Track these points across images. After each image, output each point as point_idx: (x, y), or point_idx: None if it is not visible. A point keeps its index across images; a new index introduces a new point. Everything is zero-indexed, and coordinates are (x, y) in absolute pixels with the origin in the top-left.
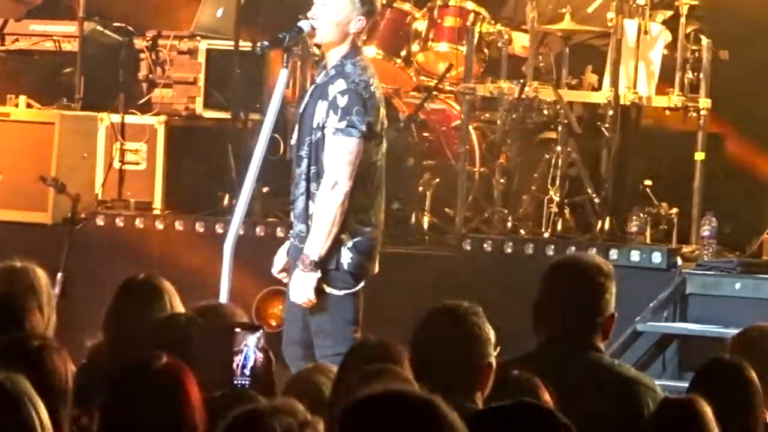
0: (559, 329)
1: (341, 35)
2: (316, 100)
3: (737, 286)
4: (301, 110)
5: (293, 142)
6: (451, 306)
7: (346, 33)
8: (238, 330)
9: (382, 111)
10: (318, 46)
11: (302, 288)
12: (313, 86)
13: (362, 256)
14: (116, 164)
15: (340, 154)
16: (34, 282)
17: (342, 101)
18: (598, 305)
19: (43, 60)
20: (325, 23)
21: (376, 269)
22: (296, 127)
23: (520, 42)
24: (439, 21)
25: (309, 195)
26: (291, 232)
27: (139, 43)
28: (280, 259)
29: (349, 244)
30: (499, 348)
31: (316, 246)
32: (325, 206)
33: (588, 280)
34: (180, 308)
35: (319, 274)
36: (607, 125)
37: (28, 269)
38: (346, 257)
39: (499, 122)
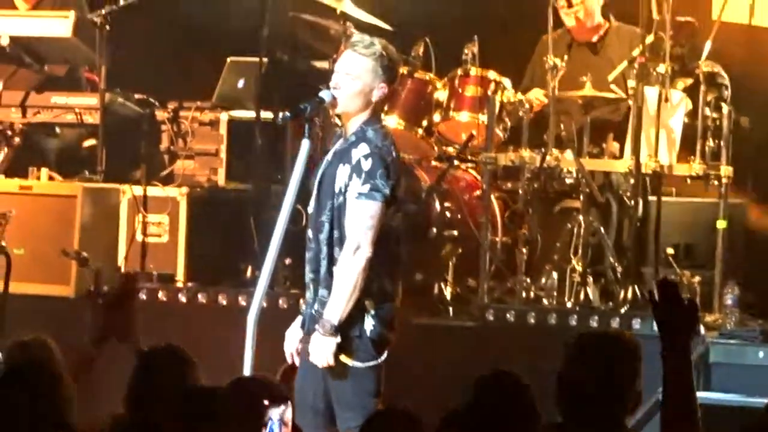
0: (585, 404)
1: (363, 104)
2: (337, 164)
3: (761, 354)
4: (319, 177)
5: (311, 210)
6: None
7: (368, 101)
8: (265, 402)
9: (403, 178)
10: (338, 116)
11: (322, 352)
12: (332, 152)
13: (385, 326)
14: (138, 236)
15: (363, 218)
16: (53, 355)
17: (366, 165)
18: (626, 382)
19: (65, 132)
20: (348, 93)
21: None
22: (314, 194)
23: (536, 95)
24: (460, 90)
25: (331, 260)
26: (305, 300)
27: (160, 114)
28: (294, 335)
29: (372, 312)
30: None
31: (336, 310)
32: (347, 271)
33: (616, 356)
34: (202, 380)
35: (338, 338)
36: (628, 194)
37: (46, 343)
38: (369, 325)
39: (520, 191)
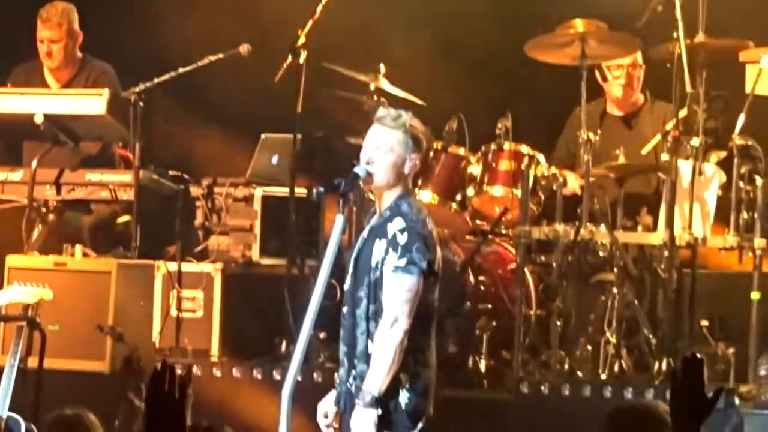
0: None
1: (397, 177)
2: (373, 240)
3: None
4: (355, 253)
5: (347, 287)
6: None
7: (401, 174)
8: None
9: (438, 251)
10: (371, 192)
11: (363, 424)
12: (368, 229)
13: (420, 398)
14: (173, 312)
15: (400, 292)
16: (91, 430)
17: (402, 239)
18: None
19: (99, 209)
20: (381, 166)
21: (431, 412)
22: (350, 271)
23: (574, 183)
24: (493, 165)
25: (369, 334)
26: (339, 377)
27: (194, 190)
28: (328, 407)
29: (407, 385)
30: None
31: (376, 383)
32: (385, 344)
33: (651, 427)
34: None
35: (379, 411)
36: (662, 266)
37: (83, 417)
38: (404, 399)
39: (554, 265)
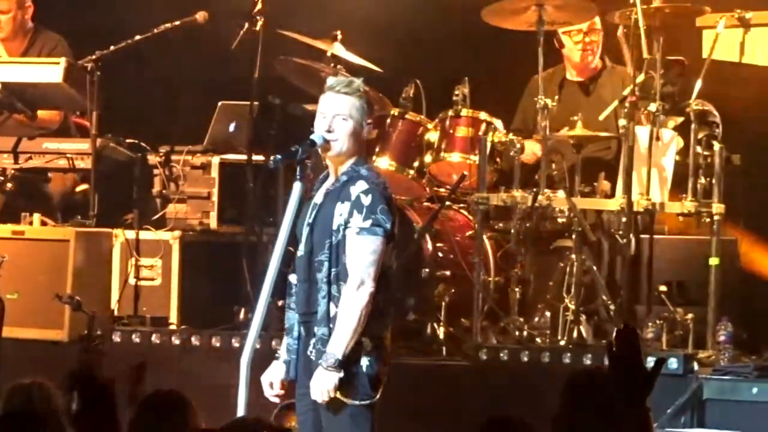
0: None
1: (356, 143)
2: (333, 203)
3: (754, 390)
4: (311, 218)
5: (300, 253)
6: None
7: (360, 141)
8: None
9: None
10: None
11: (324, 386)
12: (323, 193)
13: (381, 364)
14: (131, 280)
15: (366, 254)
16: (50, 399)
17: (366, 200)
18: (620, 419)
19: (57, 178)
20: (342, 134)
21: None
22: (304, 237)
23: (532, 149)
24: (451, 132)
25: (330, 297)
26: (287, 345)
27: (152, 158)
28: (272, 377)
29: (369, 350)
30: None
31: (340, 345)
32: (351, 307)
33: (609, 393)
34: (201, 423)
35: (341, 373)
36: (620, 232)
37: (44, 386)
38: (365, 364)
39: (513, 231)
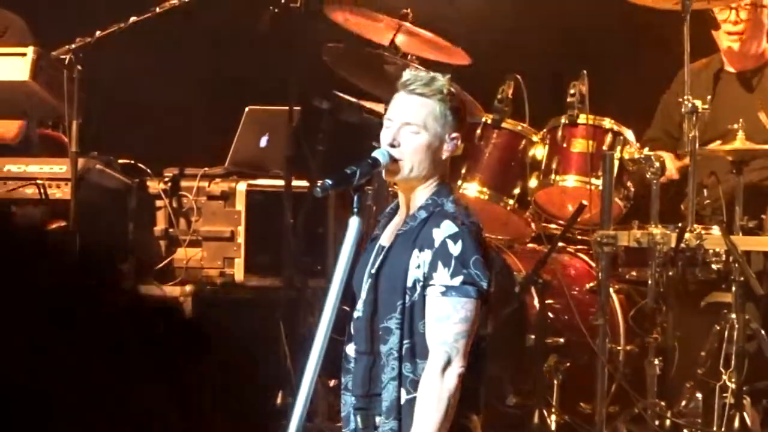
0: None
1: (432, 164)
2: (405, 250)
3: None
4: (373, 268)
5: (357, 314)
6: None
7: (438, 160)
8: None
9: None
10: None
11: None
12: (392, 234)
13: None
14: None
15: (454, 322)
16: None
17: (455, 249)
18: None
19: (24, 211)
20: (411, 149)
21: None
22: (364, 294)
23: (674, 169)
24: (564, 146)
25: (402, 380)
26: None
27: (153, 185)
28: None
29: None
30: None
31: None
32: (435, 396)
33: None
34: None
35: None
36: None
37: None
38: None
39: (650, 282)
